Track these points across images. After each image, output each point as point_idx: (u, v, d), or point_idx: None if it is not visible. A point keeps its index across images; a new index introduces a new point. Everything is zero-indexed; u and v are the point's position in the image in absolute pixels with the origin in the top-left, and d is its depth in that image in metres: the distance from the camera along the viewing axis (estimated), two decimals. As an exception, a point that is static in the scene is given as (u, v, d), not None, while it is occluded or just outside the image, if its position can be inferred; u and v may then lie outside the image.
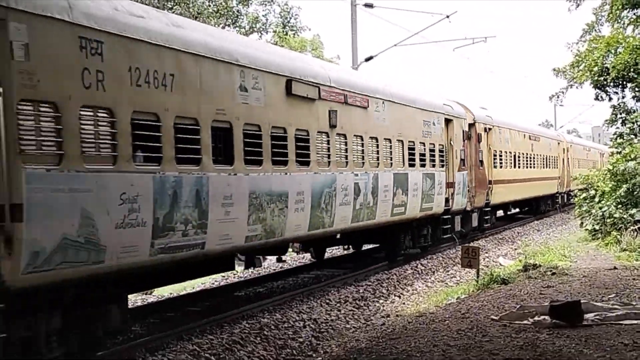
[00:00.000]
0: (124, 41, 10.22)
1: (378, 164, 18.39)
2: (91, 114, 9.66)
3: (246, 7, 39.35)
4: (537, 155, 37.66)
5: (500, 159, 30.77)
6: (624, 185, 24.77)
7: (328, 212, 15.85)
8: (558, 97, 31.71)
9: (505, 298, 14.00)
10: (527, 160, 35.60)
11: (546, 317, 11.33)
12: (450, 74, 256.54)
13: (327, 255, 22.22)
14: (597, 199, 26.61)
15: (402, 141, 19.85)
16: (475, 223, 27.30)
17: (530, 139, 36.52)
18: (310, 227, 15.19)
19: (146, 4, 19.44)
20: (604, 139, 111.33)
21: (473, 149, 26.65)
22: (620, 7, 26.06)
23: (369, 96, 17.96)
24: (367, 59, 32.42)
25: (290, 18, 40.03)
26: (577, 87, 29.63)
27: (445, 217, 23.50)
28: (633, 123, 27.94)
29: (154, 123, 10.71)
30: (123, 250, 10.07)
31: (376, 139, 18.33)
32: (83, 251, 9.36)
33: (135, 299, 16.59)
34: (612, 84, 27.27)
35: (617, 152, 28.16)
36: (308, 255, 22.03)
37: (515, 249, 26.36)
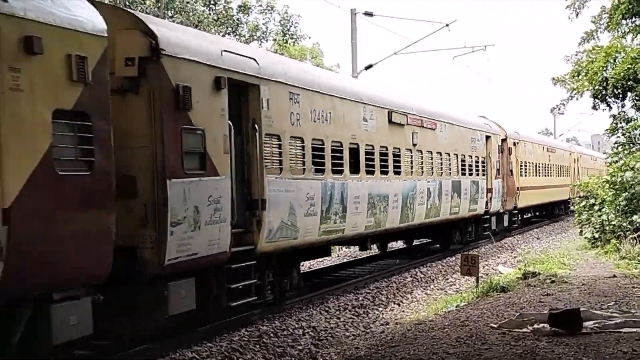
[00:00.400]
0: (309, 93, 15.43)
1: (442, 173, 23.57)
2: (293, 141, 14.72)
3: (246, 16, 39.44)
4: (553, 165, 42.60)
5: (526, 169, 35.57)
6: (623, 194, 24.81)
7: (411, 210, 20.94)
8: (559, 109, 31.87)
9: (505, 306, 13.99)
10: (545, 170, 40.51)
11: (545, 325, 11.33)
12: (449, 82, 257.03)
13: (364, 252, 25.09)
14: (596, 207, 26.63)
15: (457, 155, 25.02)
16: (506, 223, 32.26)
17: (547, 150, 41.53)
18: (400, 221, 20.31)
19: (146, 13, 19.52)
20: (604, 147, 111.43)
21: (505, 160, 31.63)
22: (620, 15, 26.09)
23: (436, 120, 23.26)
24: (367, 67, 32.53)
25: (290, 26, 40.08)
26: (577, 99, 29.71)
27: (484, 217, 28.71)
28: (630, 131, 27.99)
29: (321, 146, 15.82)
30: (306, 231, 15.17)
31: (440, 153, 23.52)
32: (289, 230, 14.45)
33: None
34: (611, 93, 27.31)
35: (615, 162, 28.21)
36: (355, 249, 25.08)
37: (515, 257, 26.34)
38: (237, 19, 38.94)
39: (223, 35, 35.84)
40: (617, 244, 23.08)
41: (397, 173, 19.92)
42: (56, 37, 8.91)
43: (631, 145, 28.13)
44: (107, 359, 11.08)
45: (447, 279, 21.13)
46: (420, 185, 21.53)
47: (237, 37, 38.39)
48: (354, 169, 17.42)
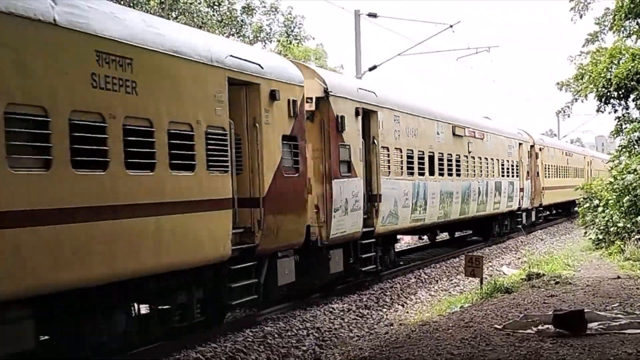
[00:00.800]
0: (405, 115, 20.97)
1: (487, 174, 29.03)
2: (395, 152, 20.13)
3: (250, 17, 39.47)
4: (570, 167, 47.73)
5: (549, 171, 40.79)
6: (627, 197, 24.77)
7: (467, 204, 26.26)
8: (564, 112, 31.93)
9: (509, 307, 13.98)
10: (565, 172, 45.63)
11: (550, 326, 11.32)
12: (453, 83, 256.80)
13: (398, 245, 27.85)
14: (600, 209, 26.59)
15: (498, 159, 30.64)
16: (533, 218, 37.80)
17: (566, 154, 47.13)
18: (460, 213, 25.66)
19: (150, 13, 19.56)
20: (608, 148, 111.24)
21: (533, 163, 36.78)
22: (623, 16, 26.07)
23: (484, 131, 28.98)
24: (371, 69, 32.53)
25: (294, 27, 40.09)
26: (582, 101, 29.68)
27: (517, 212, 34.34)
28: (631, 133, 27.93)
29: (411, 154, 21.24)
30: (403, 219, 20.33)
31: (487, 158, 29.13)
32: (393, 217, 19.71)
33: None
34: (615, 94, 27.26)
35: (617, 165, 28.19)
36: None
37: (519, 258, 26.35)
38: (241, 20, 38.97)
39: (227, 36, 35.85)
40: (622, 245, 23.05)
41: (458, 175, 25.51)
42: (284, 89, 14.15)
43: (635, 146, 28.07)
44: (113, 359, 11.09)
45: (451, 280, 21.14)
46: (474, 185, 27.07)
47: (241, 38, 38.42)
48: (431, 172, 22.80)
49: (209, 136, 11.80)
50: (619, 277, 17.88)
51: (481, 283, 17.59)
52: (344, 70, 57.15)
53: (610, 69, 26.60)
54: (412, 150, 21.32)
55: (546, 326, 11.41)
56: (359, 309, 16.47)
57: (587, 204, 29.06)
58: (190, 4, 36.15)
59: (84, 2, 9.70)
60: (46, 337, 9.97)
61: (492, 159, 29.75)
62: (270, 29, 40.16)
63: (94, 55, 9.53)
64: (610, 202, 25.64)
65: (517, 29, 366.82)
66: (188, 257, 11.40)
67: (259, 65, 13.49)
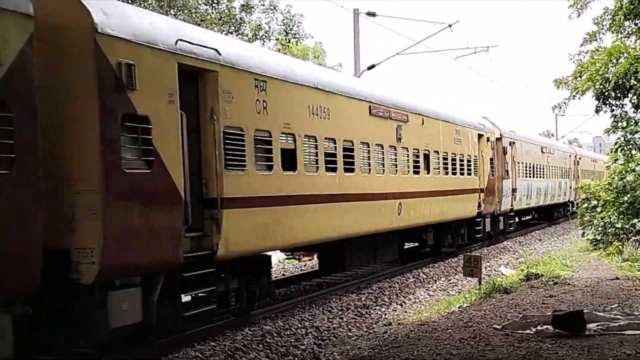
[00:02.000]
0: (523, 143, 36.52)
1: (553, 177, 44.00)
2: (522, 164, 35.47)
3: (249, 15, 39.39)
4: (597, 171, 59.13)
5: (581, 174, 54.70)
6: (625, 197, 24.77)
7: (545, 196, 40.76)
8: (560, 107, 31.68)
9: (508, 307, 13.99)
10: (592, 175, 56.26)
11: (549, 327, 11.33)
12: (452, 82, 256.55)
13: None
14: (598, 209, 26.59)
15: (558, 167, 45.63)
16: (572, 209, 47.19)
17: (592, 160, 62.82)
18: (543, 202, 41.01)
19: (150, 9, 19.51)
20: (605, 149, 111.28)
21: (575, 168, 52.17)
22: (622, 17, 26.05)
23: (554, 148, 45.82)
24: (370, 68, 32.52)
25: (293, 26, 40.01)
26: (579, 98, 29.58)
27: (566, 203, 49.10)
28: (632, 134, 27.90)
29: (531, 166, 37.95)
30: (525, 202, 36.73)
31: (554, 166, 44.41)
32: (520, 202, 35.38)
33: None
34: (612, 93, 27.23)
35: (614, 162, 28.16)
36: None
37: (517, 259, 26.37)
38: (240, 18, 38.88)
39: (226, 34, 35.82)
40: (620, 246, 23.06)
41: (542, 177, 40.59)
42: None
43: (632, 146, 28.03)
44: (111, 357, 11.08)
45: (450, 280, 21.14)
46: (547, 184, 42.01)
47: (239, 36, 38.37)
48: (537, 176, 39.49)
49: None
50: (617, 278, 17.88)
51: (480, 283, 17.60)
52: (342, 68, 57.07)
53: (608, 67, 26.57)
54: (532, 165, 38.33)
55: (545, 327, 11.42)
56: (357, 308, 16.47)
57: (586, 205, 29.06)
58: (189, 0, 36.10)
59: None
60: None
61: (556, 167, 45.21)
62: (269, 27, 40.07)
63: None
64: (608, 202, 25.64)
65: (516, 29, 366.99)
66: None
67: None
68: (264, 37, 40.16)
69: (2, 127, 8.21)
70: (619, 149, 28.32)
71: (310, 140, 15.42)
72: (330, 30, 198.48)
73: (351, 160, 17.22)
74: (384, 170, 19.02)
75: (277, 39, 40.38)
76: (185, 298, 11.83)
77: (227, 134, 12.34)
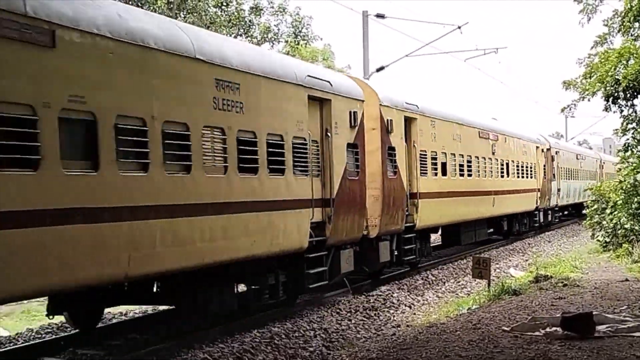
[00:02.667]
0: (565, 152, 46.57)
1: (580, 179, 48.89)
2: (566, 168, 46.50)
3: (258, 17, 39.48)
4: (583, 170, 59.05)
5: (605, 177, 58.36)
6: (635, 198, 24.67)
7: (576, 195, 46.50)
8: (570, 109, 31.56)
9: (517, 309, 13.96)
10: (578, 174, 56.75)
11: (558, 329, 11.29)
12: (461, 84, 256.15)
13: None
14: (608, 211, 26.50)
15: (586, 170, 52.06)
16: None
17: (613, 164, 60.25)
18: (577, 200, 47.28)
19: (159, 13, 19.59)
20: (615, 150, 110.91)
21: (600, 171, 59.02)
22: (632, 18, 25.99)
23: (585, 155, 54.35)
24: (379, 69, 32.51)
25: (302, 28, 40.09)
26: (588, 100, 29.48)
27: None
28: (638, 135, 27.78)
29: (571, 169, 47.97)
30: (565, 199, 44.52)
31: (585, 171, 51.67)
32: (562, 199, 43.23)
33: (146, 309, 16.62)
34: (622, 94, 27.14)
35: (624, 163, 28.05)
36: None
37: (526, 260, 26.30)
38: (249, 21, 38.99)
39: (235, 37, 35.90)
40: (629, 248, 22.98)
41: (578, 179, 47.87)
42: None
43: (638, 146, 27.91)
44: (120, 358, 11.11)
45: (459, 282, 21.10)
46: (580, 184, 46.89)
47: (248, 38, 38.44)
48: (573, 178, 46.38)
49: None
50: (627, 280, 17.83)
51: (489, 285, 17.56)
52: (351, 70, 57.05)
53: (618, 69, 26.49)
54: (568, 168, 45.09)
55: (554, 328, 11.38)
56: (366, 310, 16.45)
57: (595, 206, 28.97)
58: (199, 1, 36.18)
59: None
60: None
61: (585, 171, 52.63)
62: (278, 29, 40.18)
63: None
64: (618, 203, 25.55)
65: (525, 30, 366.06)
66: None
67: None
68: (273, 39, 40.26)
69: (354, 158, 16.76)
70: (630, 150, 28.21)
71: (459, 156, 25.39)
72: (339, 32, 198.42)
73: (470, 168, 26.42)
74: (485, 174, 28.04)
75: (286, 41, 40.46)
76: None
77: (422, 153, 21.67)
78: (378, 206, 18.39)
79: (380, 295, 18.10)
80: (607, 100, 27.57)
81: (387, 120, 19.09)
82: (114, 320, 14.99)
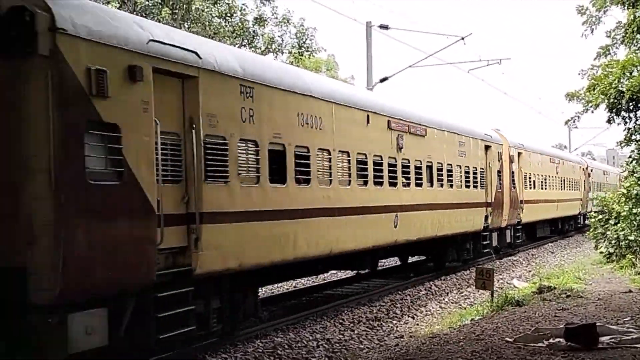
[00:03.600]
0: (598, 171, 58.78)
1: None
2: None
3: (262, 28, 39.58)
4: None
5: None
6: (639, 209, 24.64)
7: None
8: (574, 121, 31.60)
9: (520, 320, 13.95)
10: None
11: (561, 340, 11.29)
12: (464, 95, 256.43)
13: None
14: (612, 222, 26.47)
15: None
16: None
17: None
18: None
19: (164, 24, 19.62)
20: (619, 161, 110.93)
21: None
22: (635, 29, 26.01)
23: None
24: (382, 80, 32.58)
25: (306, 39, 40.20)
26: (591, 112, 29.49)
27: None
28: None
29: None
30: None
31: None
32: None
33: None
34: (626, 106, 27.14)
35: (631, 174, 28.01)
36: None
37: (530, 271, 26.25)
38: (253, 31, 39.10)
39: (239, 47, 35.99)
40: (633, 259, 22.95)
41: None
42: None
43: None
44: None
45: (462, 293, 21.07)
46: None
47: (252, 49, 38.53)
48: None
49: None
50: (630, 291, 17.81)
51: (492, 296, 17.52)
52: (354, 81, 57.16)
53: (622, 80, 26.50)
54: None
55: (557, 340, 11.38)
56: (369, 320, 16.44)
57: (599, 217, 28.93)
58: (202, 11, 36.28)
59: None
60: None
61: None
62: (282, 40, 40.27)
63: None
64: (622, 215, 25.52)
65: (528, 41, 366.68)
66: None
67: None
68: (277, 50, 40.35)
69: (498, 178, 27.65)
70: (634, 162, 28.19)
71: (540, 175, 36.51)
72: (343, 43, 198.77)
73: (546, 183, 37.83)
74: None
75: (290, 52, 40.54)
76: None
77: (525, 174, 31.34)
78: (507, 207, 29.46)
79: (383, 305, 18.08)
80: (611, 112, 27.58)
81: (511, 156, 30.90)
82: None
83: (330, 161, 15.80)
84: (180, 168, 11.27)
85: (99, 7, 10.56)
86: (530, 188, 34.87)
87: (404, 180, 19.77)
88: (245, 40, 38.55)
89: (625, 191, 26.28)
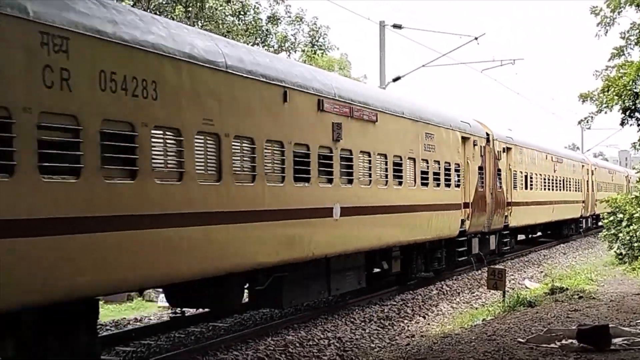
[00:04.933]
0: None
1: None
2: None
3: (275, 26, 39.59)
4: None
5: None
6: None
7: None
8: (587, 121, 31.45)
9: (532, 321, 13.91)
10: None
11: (573, 341, 11.25)
12: (478, 95, 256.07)
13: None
14: (624, 223, 26.38)
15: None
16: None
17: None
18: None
19: (177, 21, 19.65)
20: (631, 162, 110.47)
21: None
22: (650, 30, 25.93)
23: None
24: (395, 79, 32.52)
25: (319, 37, 40.16)
26: (605, 113, 29.37)
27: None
28: None
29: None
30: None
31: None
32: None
33: (161, 314, 16.69)
34: (640, 107, 27.03)
35: None
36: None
37: (541, 272, 26.19)
38: (266, 30, 39.11)
39: (252, 45, 36.04)
40: (646, 261, 22.87)
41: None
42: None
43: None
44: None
45: (473, 293, 21.04)
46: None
47: (265, 47, 38.56)
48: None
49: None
50: (643, 293, 17.75)
51: (504, 296, 17.50)
52: (367, 80, 57.14)
53: (636, 82, 26.39)
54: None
55: (570, 341, 11.35)
56: (380, 319, 16.43)
57: (612, 218, 28.84)
58: (216, 9, 36.31)
59: None
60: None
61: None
62: (295, 38, 40.25)
63: None
64: (635, 216, 25.43)
65: (542, 41, 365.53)
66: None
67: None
68: (290, 48, 40.35)
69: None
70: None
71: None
72: (356, 42, 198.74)
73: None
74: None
75: (303, 51, 40.54)
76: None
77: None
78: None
79: (395, 305, 18.07)
80: (625, 113, 27.46)
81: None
82: (129, 327, 15.01)
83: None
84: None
85: None
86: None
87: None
88: (259, 39, 38.58)
89: (638, 194, 26.20)
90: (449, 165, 21.53)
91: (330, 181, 14.86)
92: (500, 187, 27.16)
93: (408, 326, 16.30)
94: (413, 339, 14.72)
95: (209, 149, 11.16)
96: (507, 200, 27.99)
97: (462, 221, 22.49)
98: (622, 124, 28.16)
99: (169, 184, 10.25)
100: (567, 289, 18.46)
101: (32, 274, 8.18)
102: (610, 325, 11.75)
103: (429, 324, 16.72)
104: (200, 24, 35.27)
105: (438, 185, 20.65)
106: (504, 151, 27.93)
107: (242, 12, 37.73)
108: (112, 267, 9.32)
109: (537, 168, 33.84)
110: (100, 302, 11.99)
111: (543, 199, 34.39)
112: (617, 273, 23.54)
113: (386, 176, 17.40)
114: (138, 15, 10.36)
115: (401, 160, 18.17)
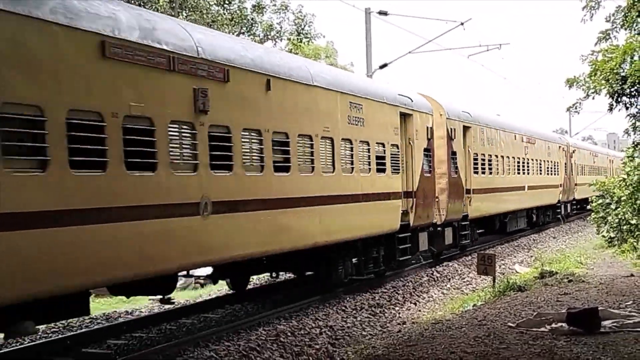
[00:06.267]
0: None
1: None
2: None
3: (260, 15, 39.47)
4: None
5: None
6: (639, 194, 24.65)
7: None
8: (576, 108, 31.44)
9: (522, 305, 13.96)
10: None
11: (563, 324, 11.30)
12: (464, 80, 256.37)
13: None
14: (613, 206, 26.48)
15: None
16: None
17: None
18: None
19: (160, 12, 19.58)
20: (620, 145, 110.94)
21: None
22: (636, 14, 25.90)
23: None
24: (382, 67, 32.46)
25: (305, 26, 40.08)
26: (592, 98, 29.36)
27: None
28: None
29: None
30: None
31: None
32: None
33: (152, 306, 16.67)
34: (628, 92, 27.07)
35: (630, 160, 28.00)
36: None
37: (531, 256, 26.29)
38: (252, 19, 38.99)
39: (237, 35, 35.89)
40: (634, 243, 22.97)
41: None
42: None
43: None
44: (126, 357, 11.14)
45: (464, 278, 21.10)
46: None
47: (251, 36, 38.44)
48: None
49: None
50: (632, 275, 17.83)
51: (494, 281, 17.56)
52: (354, 67, 57.03)
53: (623, 65, 26.41)
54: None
55: (560, 324, 11.40)
56: (371, 307, 16.45)
57: (600, 201, 28.94)
58: (200, 0, 36.18)
59: None
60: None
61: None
62: (281, 27, 40.16)
63: None
64: (623, 199, 25.53)
65: (528, 26, 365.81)
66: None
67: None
68: (275, 37, 40.24)
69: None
70: (637, 147, 28.16)
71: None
72: (342, 30, 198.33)
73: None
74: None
75: (289, 39, 40.44)
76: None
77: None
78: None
79: (385, 292, 18.10)
80: (612, 98, 27.50)
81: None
82: (120, 320, 14.98)
83: None
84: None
85: None
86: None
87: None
88: (244, 28, 38.46)
89: (625, 176, 26.28)
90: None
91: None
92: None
93: (399, 313, 16.33)
94: (404, 325, 14.77)
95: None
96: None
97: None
98: (611, 109, 28.23)
99: None
100: (556, 272, 18.55)
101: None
102: (599, 308, 11.81)
103: (420, 310, 16.77)
104: (185, 14, 35.11)
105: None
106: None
107: (226, 1, 37.59)
108: None
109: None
110: (91, 296, 11.94)
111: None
112: (607, 256, 23.64)
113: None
114: None
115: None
